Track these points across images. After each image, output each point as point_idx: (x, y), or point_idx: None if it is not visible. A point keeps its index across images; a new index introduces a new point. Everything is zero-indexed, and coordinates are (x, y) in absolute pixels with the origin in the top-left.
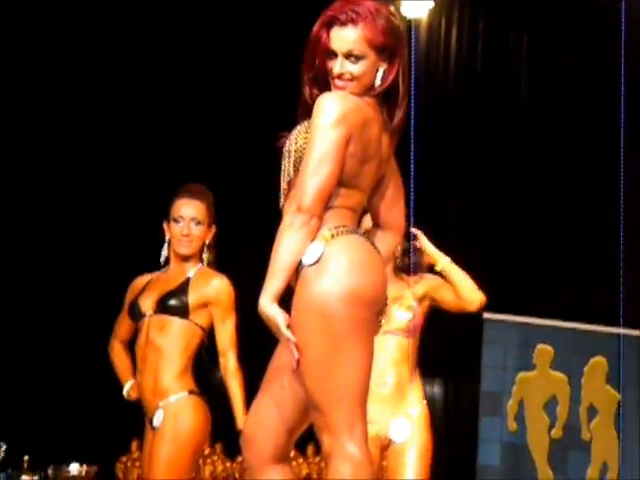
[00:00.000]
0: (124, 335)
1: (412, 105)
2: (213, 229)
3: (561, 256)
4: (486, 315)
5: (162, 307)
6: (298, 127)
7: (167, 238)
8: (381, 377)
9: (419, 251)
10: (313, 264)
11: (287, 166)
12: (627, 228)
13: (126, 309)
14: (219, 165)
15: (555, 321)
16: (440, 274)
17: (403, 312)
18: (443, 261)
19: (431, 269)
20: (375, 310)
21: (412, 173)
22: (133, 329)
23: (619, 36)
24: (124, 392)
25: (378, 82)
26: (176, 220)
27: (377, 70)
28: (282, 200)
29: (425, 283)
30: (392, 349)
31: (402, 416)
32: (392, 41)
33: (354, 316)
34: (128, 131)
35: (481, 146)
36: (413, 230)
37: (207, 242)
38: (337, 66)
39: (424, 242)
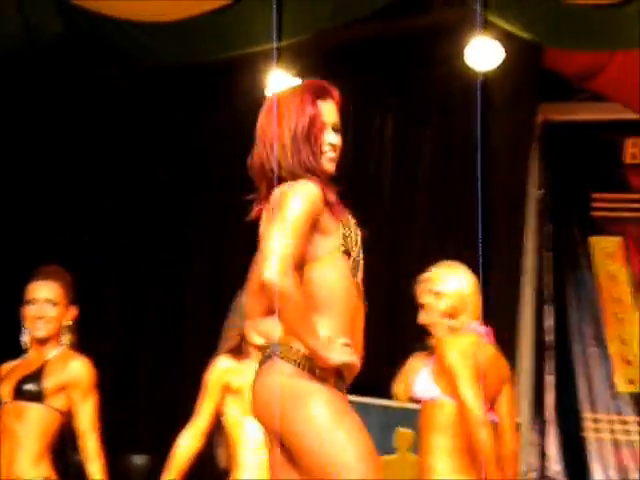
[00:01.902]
0: None
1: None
2: (73, 310)
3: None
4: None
5: (18, 393)
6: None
7: (24, 323)
8: None
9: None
10: None
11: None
12: None
13: None
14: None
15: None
16: None
17: None
18: None
19: None
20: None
21: None
22: None
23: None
24: None
25: None
26: (30, 302)
27: None
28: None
29: None
30: None
31: None
32: None
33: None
34: None
35: None
36: None
37: (66, 323)
38: (332, 137)
39: None
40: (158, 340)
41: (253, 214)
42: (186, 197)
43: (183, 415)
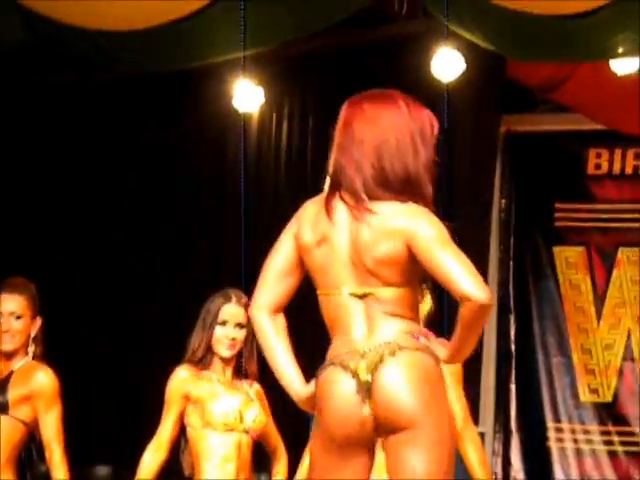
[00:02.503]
0: None
1: (243, 196)
2: (38, 321)
3: None
4: None
5: None
6: None
7: None
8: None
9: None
10: None
11: None
12: None
13: None
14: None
15: None
16: None
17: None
18: None
19: None
20: (342, 442)
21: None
22: None
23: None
24: None
25: None
26: None
27: None
28: None
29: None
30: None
31: None
32: None
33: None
34: None
35: None
36: None
37: (32, 335)
38: None
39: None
40: (123, 351)
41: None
42: (153, 203)
43: (147, 426)
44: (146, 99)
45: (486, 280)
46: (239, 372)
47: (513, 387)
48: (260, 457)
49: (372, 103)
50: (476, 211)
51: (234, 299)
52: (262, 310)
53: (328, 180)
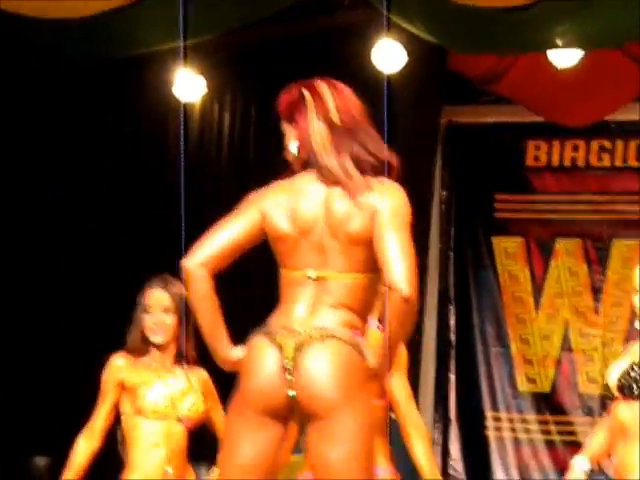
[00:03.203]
0: None
1: (183, 186)
2: None
3: None
4: None
5: None
6: None
7: None
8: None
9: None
10: None
11: None
12: None
13: None
14: None
15: None
16: None
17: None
18: None
19: None
20: (258, 410)
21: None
22: None
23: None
24: None
25: None
26: None
27: None
28: None
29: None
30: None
31: None
32: None
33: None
34: None
35: None
36: None
37: None
38: None
39: None
40: (59, 340)
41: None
42: (91, 191)
43: (87, 416)
44: (86, 87)
45: (426, 270)
46: (180, 358)
47: (452, 377)
48: (201, 448)
49: (334, 88)
50: (417, 202)
51: (159, 284)
52: (198, 266)
53: (296, 161)
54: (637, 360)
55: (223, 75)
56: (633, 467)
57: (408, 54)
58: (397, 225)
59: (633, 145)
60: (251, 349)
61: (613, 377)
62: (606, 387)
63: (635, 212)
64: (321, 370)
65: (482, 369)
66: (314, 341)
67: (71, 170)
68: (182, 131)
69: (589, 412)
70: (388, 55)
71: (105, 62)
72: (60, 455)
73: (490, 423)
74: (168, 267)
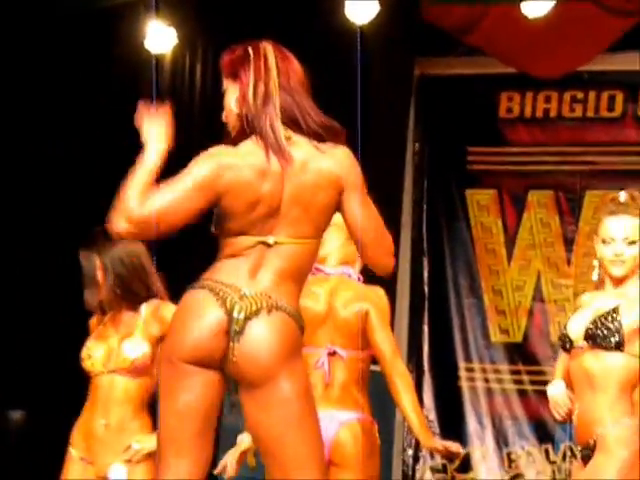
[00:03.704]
0: None
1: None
2: None
3: None
4: None
5: None
6: None
7: None
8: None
9: None
10: None
11: None
12: None
13: None
14: None
15: None
16: None
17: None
18: None
19: None
20: (190, 362)
21: None
22: None
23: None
24: None
25: None
26: None
27: None
28: None
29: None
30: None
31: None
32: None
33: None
34: None
35: None
36: None
37: None
38: None
39: None
40: (36, 297)
41: None
42: (61, 144)
43: (60, 370)
44: (57, 40)
45: (399, 223)
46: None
47: (426, 328)
48: None
49: (279, 51)
50: (391, 154)
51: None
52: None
53: (233, 120)
54: (611, 311)
55: (194, 26)
56: (602, 419)
57: (380, 5)
58: (363, 194)
59: (605, 96)
60: (193, 302)
61: (576, 327)
62: (563, 336)
63: (607, 163)
64: (265, 343)
65: (455, 320)
66: (262, 311)
67: (42, 124)
68: (154, 82)
69: None
70: (360, 6)
71: (76, 14)
72: (35, 408)
73: (463, 373)
74: None
